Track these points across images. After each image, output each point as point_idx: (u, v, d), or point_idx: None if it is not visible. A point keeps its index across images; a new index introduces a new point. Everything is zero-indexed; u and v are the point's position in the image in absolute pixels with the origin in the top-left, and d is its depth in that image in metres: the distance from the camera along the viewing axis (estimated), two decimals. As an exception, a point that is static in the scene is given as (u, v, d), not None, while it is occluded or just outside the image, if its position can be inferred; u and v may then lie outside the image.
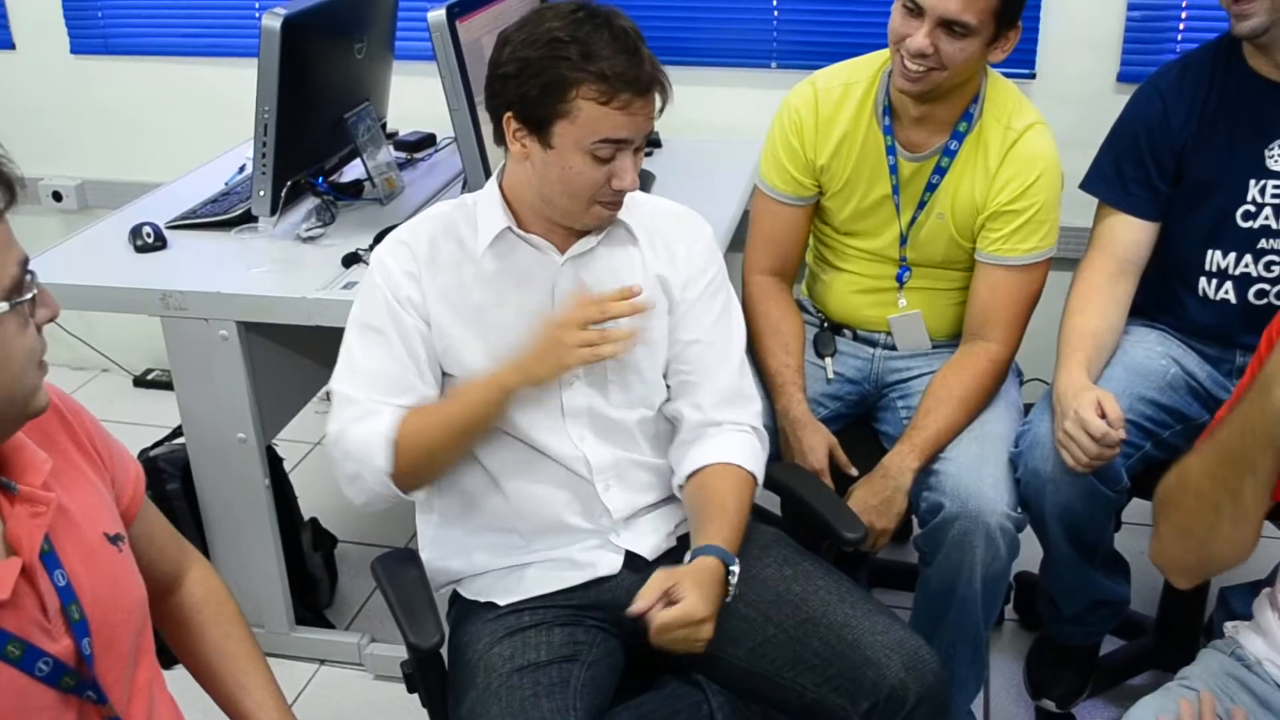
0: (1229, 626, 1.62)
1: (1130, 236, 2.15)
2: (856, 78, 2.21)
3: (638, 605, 1.58)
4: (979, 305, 2.19)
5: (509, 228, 1.72)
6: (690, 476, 1.79)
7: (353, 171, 2.82)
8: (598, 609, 1.79)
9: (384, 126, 2.89)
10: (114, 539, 1.31)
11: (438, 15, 2.30)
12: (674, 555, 1.82)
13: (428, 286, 1.72)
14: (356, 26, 2.67)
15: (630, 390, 1.80)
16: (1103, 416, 1.88)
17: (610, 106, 1.58)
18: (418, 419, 1.70)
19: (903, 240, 2.23)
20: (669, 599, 1.58)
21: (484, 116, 1.96)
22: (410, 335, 1.71)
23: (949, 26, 1.97)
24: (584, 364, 1.65)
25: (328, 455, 1.75)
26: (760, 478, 1.82)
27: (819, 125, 2.21)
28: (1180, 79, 2.12)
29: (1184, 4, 2.91)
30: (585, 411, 1.78)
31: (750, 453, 1.81)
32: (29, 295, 1.11)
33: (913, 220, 2.20)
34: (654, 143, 3.08)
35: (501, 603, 1.78)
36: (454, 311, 1.73)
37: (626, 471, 1.80)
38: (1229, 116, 2.08)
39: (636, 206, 1.79)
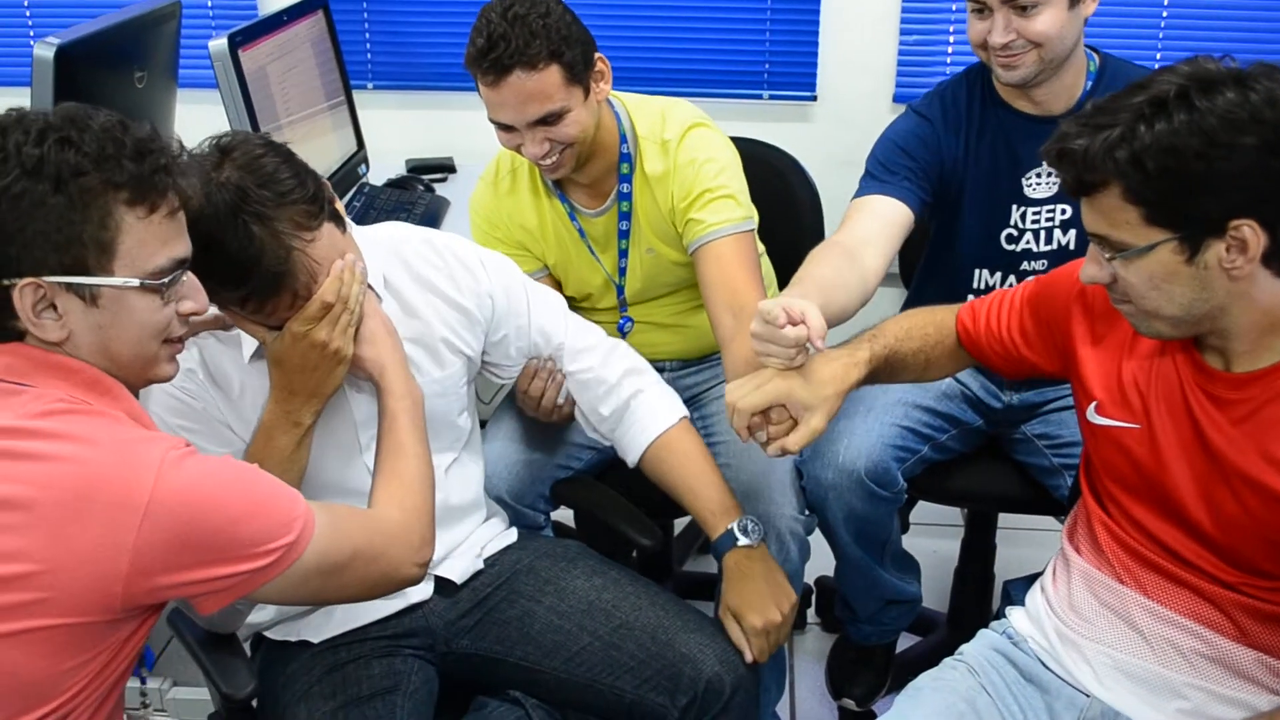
0: (1008, 610, 1.73)
1: (883, 210, 2.09)
2: (514, 168, 2.20)
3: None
4: (714, 281, 2.06)
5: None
6: (643, 454, 1.90)
7: (138, 203, 2.73)
8: (411, 635, 1.78)
9: (169, 156, 2.81)
10: None
11: (219, 44, 2.27)
12: (482, 576, 1.84)
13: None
14: (136, 55, 2.59)
15: (440, 437, 1.78)
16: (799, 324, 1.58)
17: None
18: None
19: (619, 290, 2.24)
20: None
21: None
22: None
23: (546, 121, 1.97)
24: (347, 355, 1.60)
25: None
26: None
27: (507, 215, 2.21)
28: (943, 110, 2.16)
29: (950, 29, 3.08)
30: None
31: (669, 399, 1.95)
32: (165, 280, 1.30)
33: (621, 270, 2.22)
34: (448, 168, 3.08)
35: (314, 640, 1.75)
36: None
37: (443, 519, 1.74)
38: (990, 145, 2.15)
39: (384, 260, 1.76)
